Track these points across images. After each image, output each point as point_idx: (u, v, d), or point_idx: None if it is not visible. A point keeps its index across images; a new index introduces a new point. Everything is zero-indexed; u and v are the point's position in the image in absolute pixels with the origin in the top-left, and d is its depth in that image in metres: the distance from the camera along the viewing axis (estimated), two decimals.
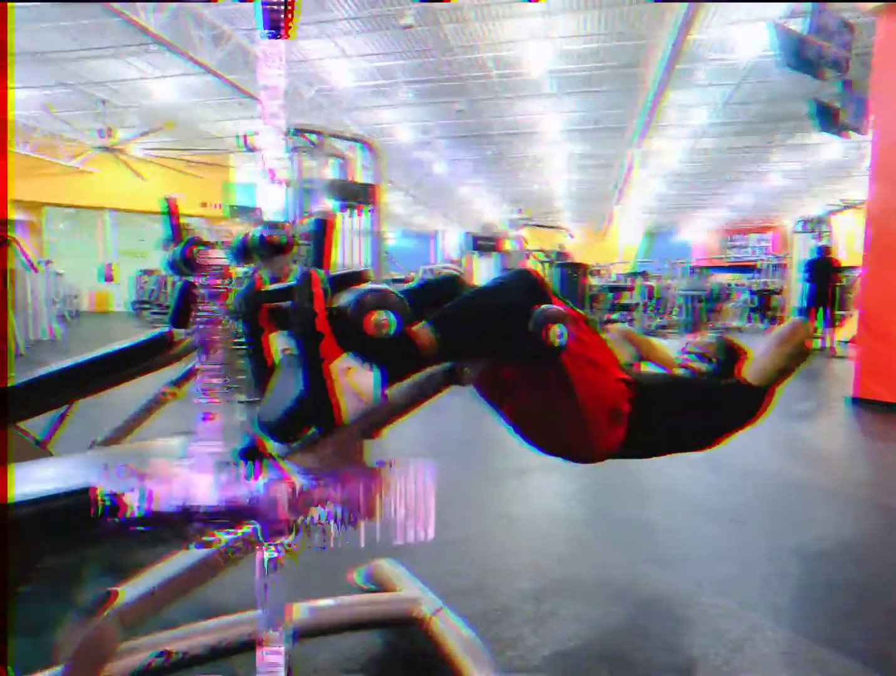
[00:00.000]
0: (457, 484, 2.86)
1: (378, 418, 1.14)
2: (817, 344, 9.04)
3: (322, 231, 1.51)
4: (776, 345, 1.52)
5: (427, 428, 4.01)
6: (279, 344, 1.24)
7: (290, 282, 1.11)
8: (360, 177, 9.71)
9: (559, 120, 16.04)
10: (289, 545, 1.05)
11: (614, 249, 27.02)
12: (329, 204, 4.76)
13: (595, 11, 10.35)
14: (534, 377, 1.42)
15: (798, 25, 8.37)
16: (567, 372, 1.32)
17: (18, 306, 8.09)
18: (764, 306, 15.40)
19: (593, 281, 14.00)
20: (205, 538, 1.03)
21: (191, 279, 2.41)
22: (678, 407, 1.49)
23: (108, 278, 19.14)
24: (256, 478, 1.02)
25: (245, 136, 5.94)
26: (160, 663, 1.07)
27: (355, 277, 1.57)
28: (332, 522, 1.05)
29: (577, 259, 13.16)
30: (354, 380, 1.03)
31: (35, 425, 2.00)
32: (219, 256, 0.98)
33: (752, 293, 15.91)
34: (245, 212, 18.55)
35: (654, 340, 1.76)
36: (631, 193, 18.10)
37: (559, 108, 15.15)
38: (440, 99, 14.79)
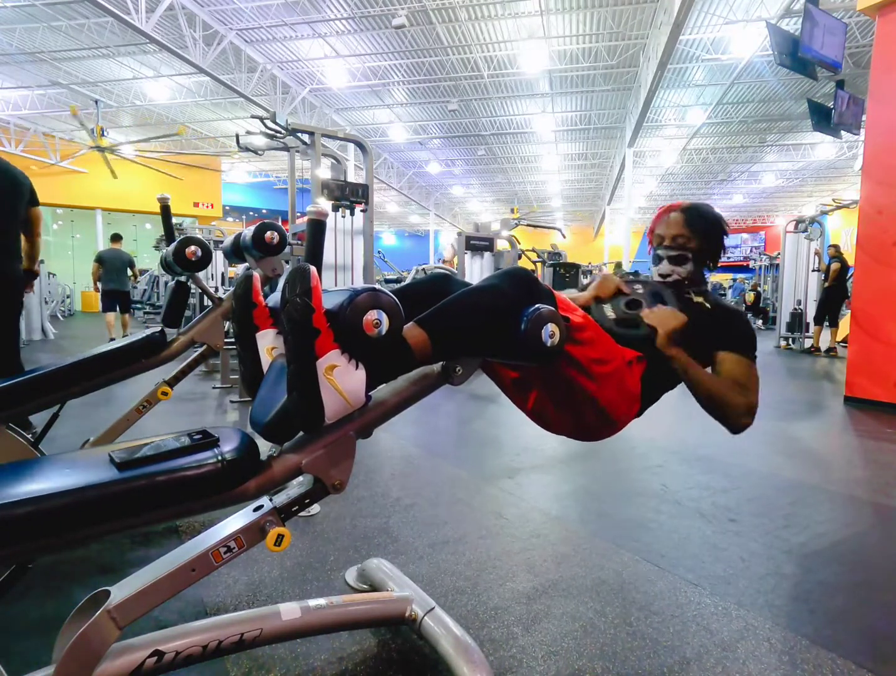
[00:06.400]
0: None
1: (369, 418, 1.14)
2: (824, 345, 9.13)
3: (316, 230, 1.51)
4: (722, 393, 1.45)
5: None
6: (265, 342, 1.24)
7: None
8: (353, 176, 9.71)
9: (553, 119, 16.07)
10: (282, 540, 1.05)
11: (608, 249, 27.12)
12: (322, 203, 4.76)
13: (589, 11, 10.37)
14: (549, 382, 1.43)
15: (792, 25, 8.42)
16: (581, 385, 1.33)
17: None
18: (755, 306, 15.48)
19: (586, 281, 13.98)
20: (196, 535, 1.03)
21: (183, 278, 2.41)
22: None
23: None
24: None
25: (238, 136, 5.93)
26: (153, 663, 1.07)
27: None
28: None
29: (570, 259, 13.17)
30: (340, 379, 1.03)
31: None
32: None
33: (736, 294, 16.08)
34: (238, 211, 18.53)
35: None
36: (623, 193, 18.08)
37: (553, 108, 15.18)
38: (433, 99, 14.81)
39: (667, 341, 1.46)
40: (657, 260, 1.71)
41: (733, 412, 1.44)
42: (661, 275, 1.70)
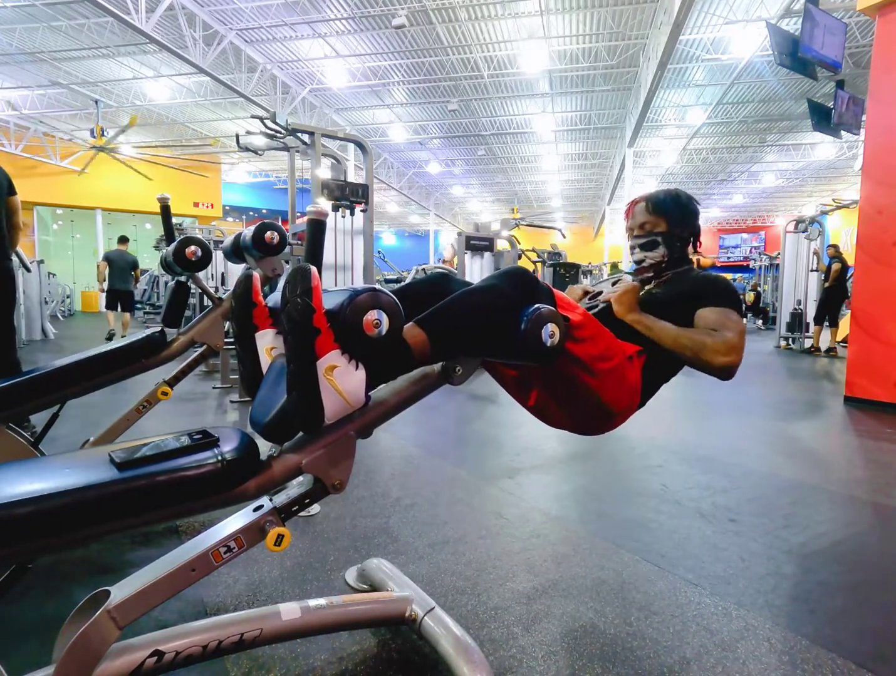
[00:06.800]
0: None
1: (369, 418, 1.14)
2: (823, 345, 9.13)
3: (315, 230, 1.51)
4: (693, 342, 1.44)
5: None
6: (265, 342, 1.23)
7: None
8: (353, 176, 9.70)
9: (553, 119, 16.06)
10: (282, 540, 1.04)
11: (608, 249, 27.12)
12: (322, 203, 4.76)
13: (588, 11, 10.36)
14: (550, 380, 1.43)
15: (792, 25, 8.40)
16: (583, 382, 1.34)
17: None
18: (755, 306, 15.50)
19: (586, 281, 14.02)
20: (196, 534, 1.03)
21: (183, 278, 2.40)
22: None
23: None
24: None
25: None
26: (153, 663, 1.07)
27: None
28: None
29: (570, 259, 13.18)
30: (340, 379, 1.02)
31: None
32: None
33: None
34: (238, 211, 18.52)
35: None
36: (623, 193, 18.12)
37: (553, 108, 15.17)
38: (433, 99, 14.80)
39: (623, 309, 1.52)
40: (632, 251, 1.78)
41: (708, 353, 1.42)
42: (636, 263, 1.75)
